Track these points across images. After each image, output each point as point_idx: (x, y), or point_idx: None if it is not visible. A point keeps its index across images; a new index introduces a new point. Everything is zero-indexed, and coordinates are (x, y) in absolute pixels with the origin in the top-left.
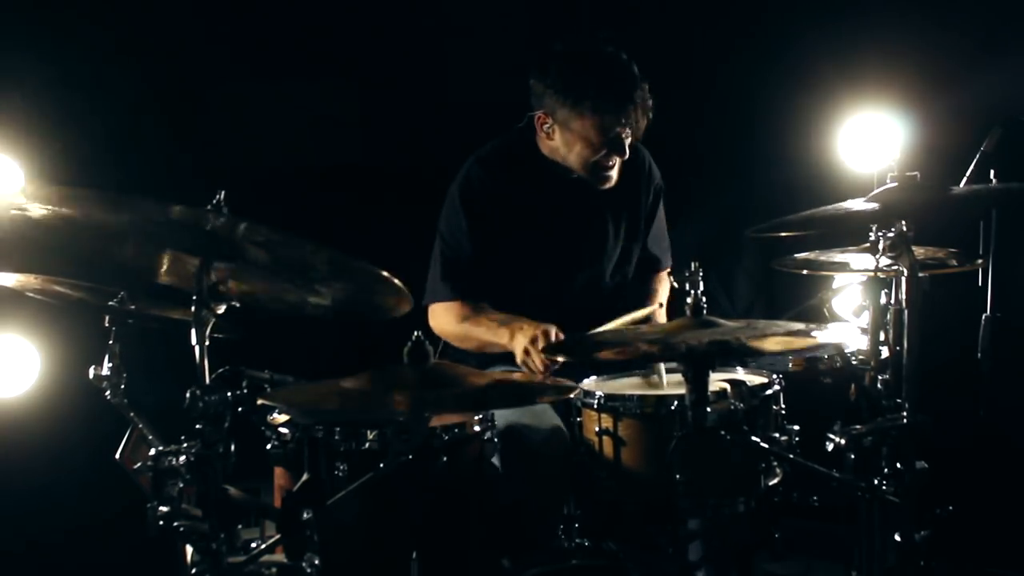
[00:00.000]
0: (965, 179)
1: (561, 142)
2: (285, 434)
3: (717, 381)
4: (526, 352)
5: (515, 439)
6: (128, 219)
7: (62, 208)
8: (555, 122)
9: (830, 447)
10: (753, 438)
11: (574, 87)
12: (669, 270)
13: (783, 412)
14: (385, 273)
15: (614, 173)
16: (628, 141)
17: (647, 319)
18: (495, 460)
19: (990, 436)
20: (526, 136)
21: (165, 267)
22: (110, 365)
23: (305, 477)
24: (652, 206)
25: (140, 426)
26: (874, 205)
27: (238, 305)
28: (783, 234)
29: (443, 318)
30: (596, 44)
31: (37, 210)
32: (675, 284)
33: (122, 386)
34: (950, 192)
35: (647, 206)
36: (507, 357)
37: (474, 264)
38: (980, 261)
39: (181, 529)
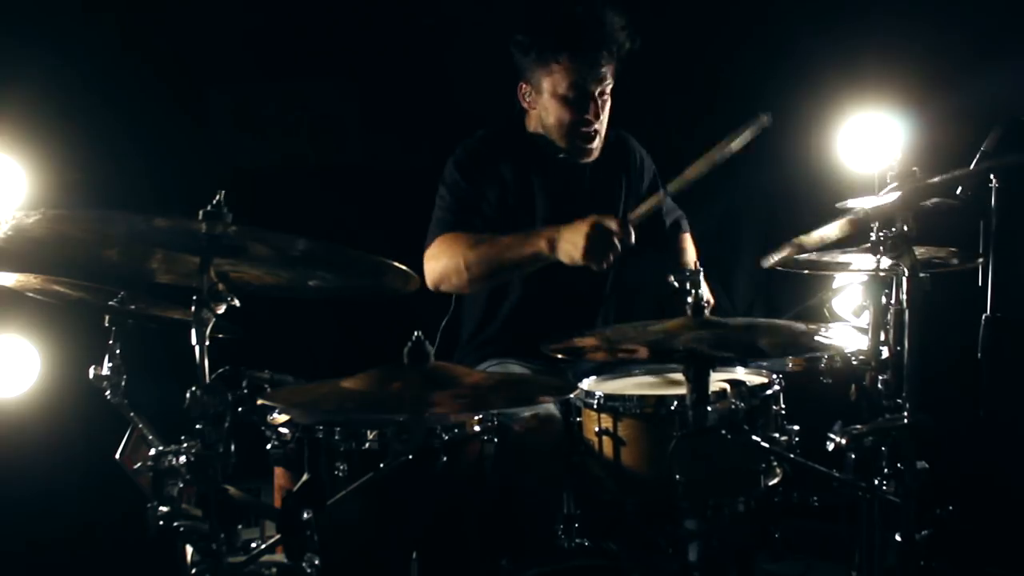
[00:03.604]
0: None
1: (540, 108)
2: (285, 434)
3: (717, 381)
4: (589, 237)
5: (503, 426)
6: (118, 231)
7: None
8: (532, 87)
9: (830, 447)
10: (753, 438)
11: (542, 44)
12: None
13: (783, 412)
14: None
15: (595, 144)
16: (605, 101)
17: None
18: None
19: (990, 436)
20: (518, 121)
21: (161, 266)
22: (110, 365)
23: (305, 477)
24: (650, 189)
25: (140, 426)
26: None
27: (236, 302)
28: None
29: (448, 249)
30: (568, 3)
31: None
32: (675, 284)
33: (122, 386)
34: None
35: (643, 191)
36: (506, 352)
37: (477, 210)
38: (980, 260)
39: (181, 529)
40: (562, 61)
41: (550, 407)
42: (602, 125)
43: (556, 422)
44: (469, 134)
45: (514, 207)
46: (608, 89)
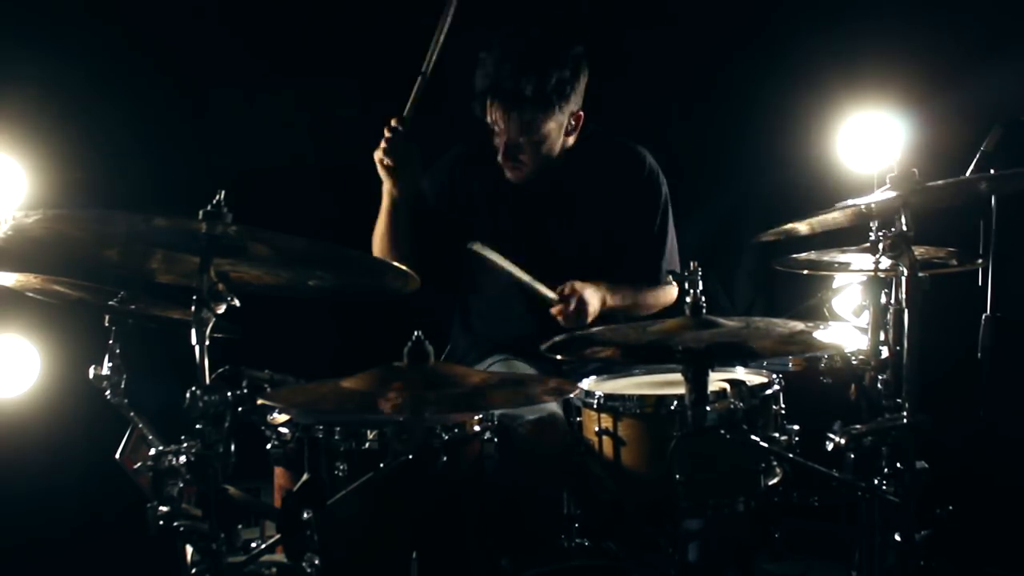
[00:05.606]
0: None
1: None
2: (285, 434)
3: (717, 381)
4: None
5: (506, 426)
6: (118, 230)
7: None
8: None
9: (830, 447)
10: (753, 438)
11: (479, 82)
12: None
13: (783, 412)
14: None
15: (523, 175)
16: (538, 143)
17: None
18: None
19: (990, 436)
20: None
21: (161, 266)
22: (110, 365)
23: (305, 477)
24: (647, 212)
25: (140, 426)
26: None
27: (236, 302)
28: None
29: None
30: (533, 31)
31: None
32: (675, 284)
33: (122, 386)
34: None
35: (634, 210)
36: (505, 348)
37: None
38: (980, 261)
39: (181, 529)
40: (493, 105)
41: (553, 407)
42: (527, 165)
43: (560, 423)
44: (468, 135)
45: (480, 214)
46: (543, 136)
